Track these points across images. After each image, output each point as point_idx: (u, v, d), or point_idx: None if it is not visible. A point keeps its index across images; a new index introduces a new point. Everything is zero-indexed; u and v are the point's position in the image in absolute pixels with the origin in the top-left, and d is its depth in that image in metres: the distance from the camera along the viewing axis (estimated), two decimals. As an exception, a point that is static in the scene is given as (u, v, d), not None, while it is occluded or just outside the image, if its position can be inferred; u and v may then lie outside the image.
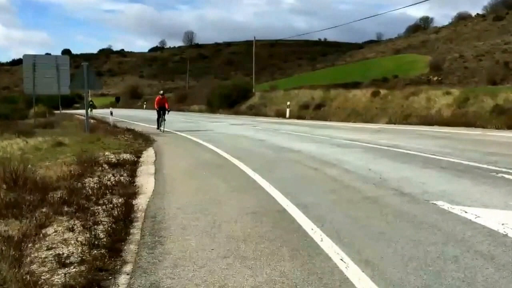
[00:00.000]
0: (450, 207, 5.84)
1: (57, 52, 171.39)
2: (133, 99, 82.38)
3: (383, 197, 6.61)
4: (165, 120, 21.25)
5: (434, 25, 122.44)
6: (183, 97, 64.52)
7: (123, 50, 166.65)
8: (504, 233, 4.80)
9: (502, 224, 5.05)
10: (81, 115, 33.70)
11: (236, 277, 3.89)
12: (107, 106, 53.43)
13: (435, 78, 61.15)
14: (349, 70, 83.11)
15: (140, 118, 35.48)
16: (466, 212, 5.60)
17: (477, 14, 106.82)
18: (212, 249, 4.59)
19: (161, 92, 23.58)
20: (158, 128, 21.47)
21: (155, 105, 22.03)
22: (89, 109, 41.28)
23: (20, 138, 15.61)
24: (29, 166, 8.41)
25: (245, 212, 6.01)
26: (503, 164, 8.98)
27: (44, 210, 5.91)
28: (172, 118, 34.93)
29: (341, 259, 4.20)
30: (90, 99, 48.88)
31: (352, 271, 3.95)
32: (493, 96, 20.19)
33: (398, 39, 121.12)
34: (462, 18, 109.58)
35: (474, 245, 4.51)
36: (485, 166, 8.84)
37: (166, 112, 21.42)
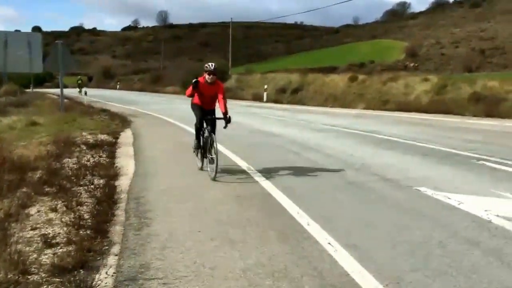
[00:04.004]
0: (434, 193, 5.92)
1: (26, 29, 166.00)
2: (106, 79, 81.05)
3: (366, 182, 6.66)
4: (215, 146, 7.34)
5: (412, 10, 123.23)
6: (158, 78, 63.68)
7: (95, 28, 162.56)
8: (488, 219, 4.87)
9: (485, 211, 5.14)
10: (54, 94, 33.00)
11: (225, 260, 3.87)
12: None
13: (412, 64, 61.78)
14: (325, 55, 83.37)
15: (114, 98, 34.98)
16: (449, 198, 5.67)
17: (454, 0, 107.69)
18: (199, 232, 4.55)
19: (210, 66, 8.11)
20: (201, 165, 7.74)
21: (195, 101, 8.09)
22: (79, 89, 40.46)
23: (-7, 116, 15.18)
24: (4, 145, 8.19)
25: (230, 195, 5.99)
26: (483, 151, 9.12)
27: (24, 190, 5.77)
28: (148, 99, 34.62)
29: (329, 243, 4.21)
30: (79, 77, 47.75)
31: (340, 254, 3.97)
32: (471, 83, 20.39)
33: (375, 24, 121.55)
34: (440, 4, 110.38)
35: (459, 231, 4.57)
36: (465, 153, 8.97)
37: (224, 121, 7.78)
